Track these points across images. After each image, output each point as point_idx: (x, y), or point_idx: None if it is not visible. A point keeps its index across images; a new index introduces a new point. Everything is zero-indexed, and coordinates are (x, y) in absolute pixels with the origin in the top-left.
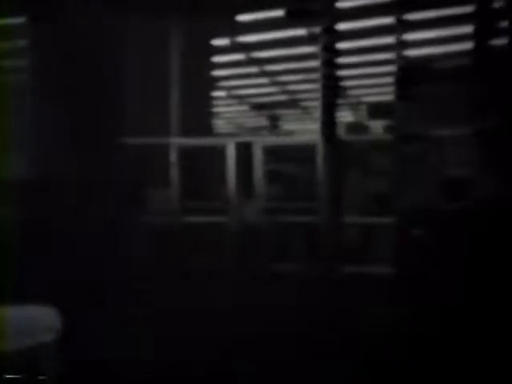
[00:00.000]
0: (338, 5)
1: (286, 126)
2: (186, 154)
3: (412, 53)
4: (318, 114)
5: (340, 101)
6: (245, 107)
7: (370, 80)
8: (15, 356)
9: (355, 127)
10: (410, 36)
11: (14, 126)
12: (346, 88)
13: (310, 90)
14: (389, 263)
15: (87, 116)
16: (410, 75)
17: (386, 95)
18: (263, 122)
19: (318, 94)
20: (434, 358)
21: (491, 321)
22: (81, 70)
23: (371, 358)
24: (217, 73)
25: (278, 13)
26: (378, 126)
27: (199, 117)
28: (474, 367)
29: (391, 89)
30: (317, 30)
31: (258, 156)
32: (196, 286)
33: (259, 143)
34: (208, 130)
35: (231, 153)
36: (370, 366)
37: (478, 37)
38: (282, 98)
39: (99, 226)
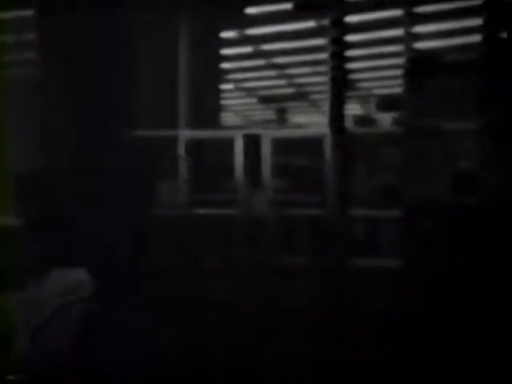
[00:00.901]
0: None
1: (295, 118)
2: (194, 146)
3: (421, 45)
4: (326, 106)
5: (348, 93)
6: (253, 100)
7: (378, 73)
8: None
9: (364, 120)
10: (419, 28)
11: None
12: (354, 81)
13: (319, 83)
14: (397, 257)
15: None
16: (419, 68)
17: (395, 88)
18: (271, 114)
19: (327, 87)
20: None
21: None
22: (90, 62)
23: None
24: (225, 65)
25: (287, 5)
26: (386, 118)
27: (207, 109)
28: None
29: (400, 81)
30: (325, 22)
31: (266, 149)
32: None
33: (267, 136)
34: (216, 123)
35: (239, 145)
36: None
37: (487, 29)
38: (291, 90)
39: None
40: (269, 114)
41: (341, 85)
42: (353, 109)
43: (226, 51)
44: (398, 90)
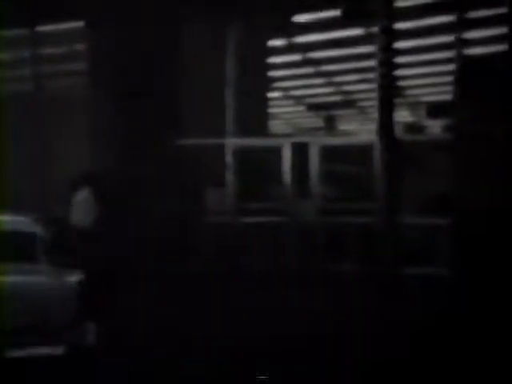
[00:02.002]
0: (395, 4)
1: (343, 126)
2: (242, 154)
3: (471, 51)
4: (375, 114)
5: (397, 101)
6: (301, 108)
7: (427, 79)
8: None
9: (413, 127)
10: (469, 34)
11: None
12: (403, 88)
13: (367, 90)
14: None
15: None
16: (469, 74)
17: (445, 94)
18: (320, 122)
19: (375, 94)
20: None
21: None
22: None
23: None
24: (273, 73)
25: (335, 13)
26: (436, 125)
27: (255, 117)
28: None
29: (450, 88)
30: (374, 29)
31: (314, 156)
32: None
33: (316, 144)
34: (264, 131)
35: (287, 153)
36: None
37: None
38: (339, 98)
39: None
40: (317, 121)
41: (389, 92)
42: (402, 116)
43: (274, 59)
44: (448, 97)
